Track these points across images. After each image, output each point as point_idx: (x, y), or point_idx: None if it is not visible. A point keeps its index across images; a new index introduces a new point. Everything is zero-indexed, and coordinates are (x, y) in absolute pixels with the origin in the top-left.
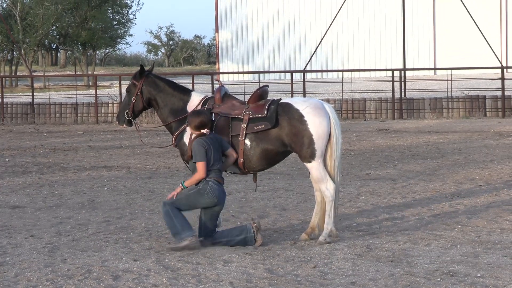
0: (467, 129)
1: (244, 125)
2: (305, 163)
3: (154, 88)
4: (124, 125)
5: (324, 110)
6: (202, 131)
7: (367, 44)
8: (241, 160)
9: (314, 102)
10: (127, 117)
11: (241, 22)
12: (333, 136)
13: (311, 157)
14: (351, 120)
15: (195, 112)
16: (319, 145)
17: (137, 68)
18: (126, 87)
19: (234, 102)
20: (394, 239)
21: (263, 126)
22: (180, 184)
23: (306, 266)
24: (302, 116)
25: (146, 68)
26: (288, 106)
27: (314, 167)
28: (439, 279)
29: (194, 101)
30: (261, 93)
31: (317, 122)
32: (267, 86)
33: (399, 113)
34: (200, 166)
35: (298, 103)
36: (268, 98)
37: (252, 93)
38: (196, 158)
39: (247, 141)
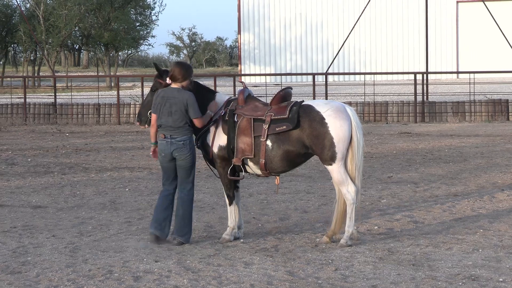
0: (489, 133)
1: (266, 126)
2: (326, 166)
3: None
4: (146, 126)
5: (345, 113)
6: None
7: (389, 47)
8: (262, 161)
9: (336, 105)
10: (150, 117)
11: (263, 24)
12: (354, 139)
13: (331, 159)
14: (373, 123)
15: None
16: (339, 148)
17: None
18: (151, 86)
19: (257, 103)
20: (415, 243)
21: (284, 127)
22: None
23: (327, 268)
24: (323, 118)
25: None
26: (310, 108)
27: (335, 170)
28: (460, 283)
29: (219, 102)
30: (284, 95)
31: (338, 125)
32: (291, 88)
33: (421, 116)
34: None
35: (319, 105)
36: (291, 100)
37: (274, 95)
38: (198, 112)
39: (269, 142)
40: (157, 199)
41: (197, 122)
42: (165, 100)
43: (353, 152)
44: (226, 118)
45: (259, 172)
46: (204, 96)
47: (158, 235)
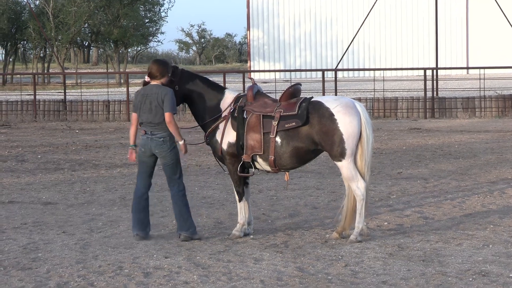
0: (499, 128)
1: (275, 123)
2: (335, 162)
3: (190, 85)
4: None
5: (355, 109)
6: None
7: (399, 42)
8: (272, 157)
9: (345, 101)
10: None
11: (272, 20)
12: (363, 135)
13: (341, 156)
14: (383, 119)
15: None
16: (349, 144)
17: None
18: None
19: (266, 100)
20: (425, 239)
21: (293, 123)
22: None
23: (337, 264)
24: (332, 114)
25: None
26: (319, 104)
27: (345, 166)
28: (471, 279)
29: (228, 99)
30: (293, 91)
31: (347, 121)
32: (300, 84)
33: (431, 112)
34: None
35: (329, 101)
36: (300, 96)
37: (284, 91)
38: (174, 109)
39: (278, 139)
40: (132, 199)
41: (168, 117)
42: (145, 98)
43: (363, 148)
44: (235, 115)
45: (268, 168)
46: (214, 92)
47: (143, 236)
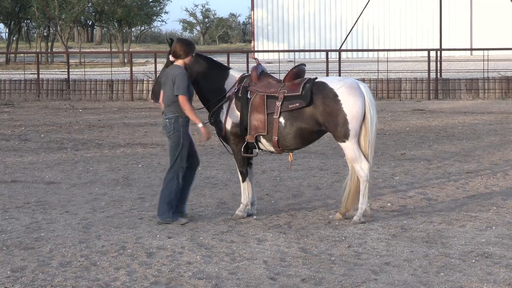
0: (503, 110)
1: (279, 103)
2: (339, 143)
3: (194, 65)
4: (160, 102)
5: (359, 90)
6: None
7: (403, 24)
8: (275, 138)
9: (349, 81)
10: None
11: (277, 0)
12: (367, 116)
13: (345, 136)
14: (386, 100)
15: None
16: (353, 125)
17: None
18: (166, 62)
19: (270, 80)
20: (428, 220)
21: (297, 104)
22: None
23: (340, 245)
24: (336, 95)
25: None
26: (323, 85)
27: (348, 147)
28: (474, 261)
29: (232, 79)
30: (297, 72)
31: (351, 102)
32: (304, 65)
33: (435, 93)
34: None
35: (333, 82)
36: (304, 77)
37: (288, 72)
38: (184, 91)
39: (282, 120)
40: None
41: (181, 99)
42: (165, 78)
43: (367, 129)
44: (240, 95)
45: (272, 149)
46: (218, 72)
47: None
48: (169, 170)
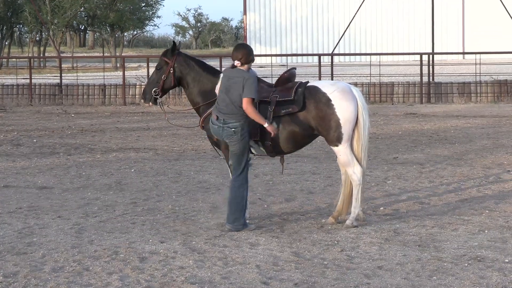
0: (495, 113)
1: (271, 109)
2: (332, 147)
3: (185, 68)
4: (150, 103)
5: (351, 94)
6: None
7: (395, 27)
8: (269, 143)
9: (342, 85)
10: (155, 95)
11: (269, 4)
12: (360, 120)
13: (337, 140)
14: (379, 104)
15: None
16: (345, 129)
17: (165, 49)
18: (156, 64)
19: (261, 85)
20: (421, 224)
21: (290, 109)
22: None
23: (333, 249)
24: (329, 100)
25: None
26: (316, 89)
27: (341, 151)
28: (466, 264)
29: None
30: (288, 76)
31: (344, 106)
32: (295, 68)
33: (427, 97)
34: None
35: (325, 86)
36: (296, 81)
37: (279, 76)
38: (254, 94)
39: (274, 124)
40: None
41: (244, 103)
42: (228, 84)
43: (359, 133)
44: None
45: (265, 153)
46: (209, 76)
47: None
48: (236, 178)
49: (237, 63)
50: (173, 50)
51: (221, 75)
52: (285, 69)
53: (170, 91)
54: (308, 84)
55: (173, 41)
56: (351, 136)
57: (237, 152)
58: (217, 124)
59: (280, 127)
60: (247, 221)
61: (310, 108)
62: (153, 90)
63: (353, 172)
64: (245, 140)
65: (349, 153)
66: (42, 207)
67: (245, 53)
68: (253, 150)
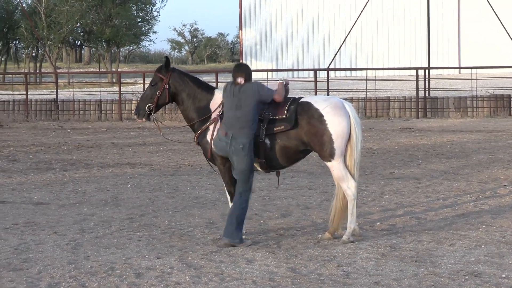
0: (491, 128)
1: (263, 126)
2: (325, 162)
3: (180, 84)
4: (144, 119)
5: (344, 110)
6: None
7: (391, 42)
8: (263, 160)
9: (334, 101)
10: (148, 111)
11: (265, 19)
12: (353, 135)
13: (330, 156)
14: (375, 119)
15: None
16: (338, 144)
17: (159, 65)
18: (151, 80)
19: None
20: (418, 239)
21: (282, 127)
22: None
23: (330, 265)
24: (321, 115)
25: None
26: (308, 105)
27: (335, 166)
28: (463, 280)
29: (217, 99)
30: None
31: (336, 122)
32: (288, 83)
33: (423, 112)
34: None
35: (318, 102)
36: (289, 96)
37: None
38: (271, 91)
39: (268, 141)
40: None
41: (277, 98)
42: (238, 98)
43: (352, 148)
44: None
45: (259, 169)
46: (203, 93)
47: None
48: (242, 193)
49: (240, 80)
50: (167, 66)
51: (216, 91)
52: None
53: (167, 106)
54: (301, 100)
55: (166, 57)
56: (344, 151)
57: (245, 167)
58: (225, 141)
59: (274, 144)
60: (243, 237)
61: (302, 124)
62: (147, 106)
63: (348, 187)
64: (251, 158)
65: (343, 168)
66: (38, 223)
67: (249, 73)
68: None
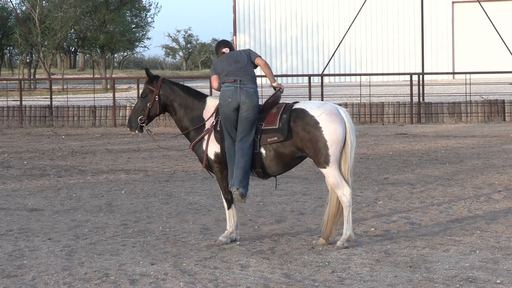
0: (486, 133)
1: (257, 138)
2: (320, 169)
3: (171, 94)
4: (136, 131)
5: (339, 116)
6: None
7: (385, 48)
8: (259, 170)
9: (330, 108)
10: (141, 123)
11: (259, 25)
12: (348, 141)
13: (325, 162)
14: (369, 124)
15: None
16: (333, 151)
17: (155, 72)
18: (141, 92)
19: None
20: (412, 245)
21: (275, 138)
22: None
23: (324, 271)
24: (317, 122)
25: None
26: (303, 112)
27: (329, 173)
28: (458, 285)
29: (210, 107)
30: (273, 101)
31: (332, 129)
32: (280, 91)
33: (418, 117)
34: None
35: (313, 109)
36: (281, 102)
37: (264, 102)
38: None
39: (262, 151)
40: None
41: (259, 60)
42: (233, 59)
43: (346, 154)
44: (218, 129)
45: (255, 176)
46: (195, 101)
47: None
48: (243, 139)
49: (225, 49)
50: (155, 77)
51: (208, 99)
52: (273, 90)
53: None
54: (294, 107)
55: (145, 69)
56: (339, 157)
57: (252, 117)
58: (234, 85)
59: (268, 153)
60: (238, 242)
61: (297, 131)
62: (139, 118)
63: (343, 194)
64: (257, 107)
65: (338, 175)
66: (33, 229)
67: (232, 46)
68: None
